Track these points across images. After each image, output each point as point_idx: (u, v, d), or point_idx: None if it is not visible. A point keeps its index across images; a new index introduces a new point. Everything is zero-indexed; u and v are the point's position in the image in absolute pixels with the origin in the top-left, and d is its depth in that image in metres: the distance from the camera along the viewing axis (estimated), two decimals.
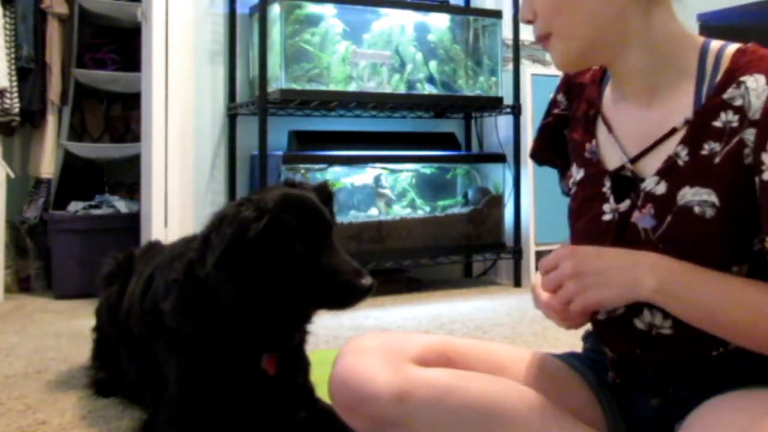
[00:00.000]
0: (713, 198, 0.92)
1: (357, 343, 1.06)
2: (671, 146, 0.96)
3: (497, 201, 3.41)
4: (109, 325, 1.61)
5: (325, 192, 1.29)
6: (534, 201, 3.40)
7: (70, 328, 2.49)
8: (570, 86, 1.16)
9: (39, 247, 3.36)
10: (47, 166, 3.35)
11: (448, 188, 3.54)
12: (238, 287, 1.17)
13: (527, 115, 3.41)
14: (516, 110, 3.37)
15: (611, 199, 1.02)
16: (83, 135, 3.70)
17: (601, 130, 1.07)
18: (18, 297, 3.18)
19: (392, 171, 3.37)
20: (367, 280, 1.16)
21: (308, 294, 1.18)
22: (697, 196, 0.93)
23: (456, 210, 3.41)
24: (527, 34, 3.66)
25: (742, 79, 0.91)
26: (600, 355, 1.12)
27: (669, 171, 0.95)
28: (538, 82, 3.47)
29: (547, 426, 0.96)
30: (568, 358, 1.16)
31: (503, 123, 3.52)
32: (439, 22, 3.42)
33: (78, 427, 1.48)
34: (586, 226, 1.05)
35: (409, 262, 3.18)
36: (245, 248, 1.13)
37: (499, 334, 2.31)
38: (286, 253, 1.15)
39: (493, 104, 3.41)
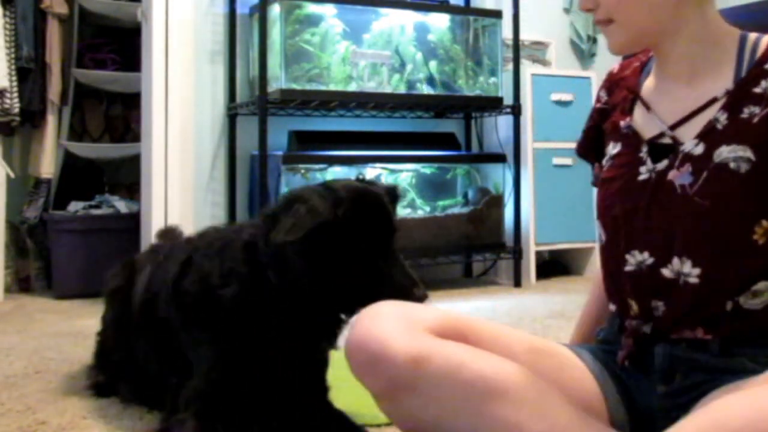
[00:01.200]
0: (749, 153, 1.01)
1: (375, 309, 1.07)
2: (711, 113, 1.06)
3: (497, 201, 3.41)
4: (117, 330, 1.61)
5: (394, 195, 1.33)
6: (534, 201, 3.40)
7: (70, 328, 2.49)
8: (612, 83, 1.27)
9: (39, 247, 3.36)
10: (47, 166, 3.35)
11: (448, 188, 3.54)
12: (302, 258, 1.19)
13: (527, 115, 3.41)
14: (516, 110, 3.37)
15: (648, 161, 1.10)
16: (83, 135, 3.70)
17: (638, 110, 1.17)
18: (18, 297, 3.18)
19: (392, 171, 3.37)
20: (421, 292, 1.20)
21: (364, 291, 1.20)
22: (733, 153, 1.02)
23: (456, 210, 3.41)
24: (527, 34, 3.66)
25: None
26: (610, 346, 1.16)
27: (708, 133, 1.05)
28: (538, 82, 3.47)
29: (550, 412, 0.98)
30: (577, 348, 1.20)
31: (503, 123, 3.52)
32: (439, 22, 3.42)
33: (78, 427, 1.48)
34: (621, 187, 1.13)
35: (409, 262, 3.16)
36: (315, 229, 1.15)
37: None
38: (351, 247, 1.18)
39: (493, 104, 3.41)
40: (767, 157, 1.00)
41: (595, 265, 3.48)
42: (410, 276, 1.21)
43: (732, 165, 1.01)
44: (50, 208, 3.36)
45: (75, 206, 3.27)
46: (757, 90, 1.03)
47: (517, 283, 3.37)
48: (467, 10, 3.60)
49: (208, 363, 1.28)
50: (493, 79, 3.46)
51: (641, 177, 1.10)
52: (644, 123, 1.15)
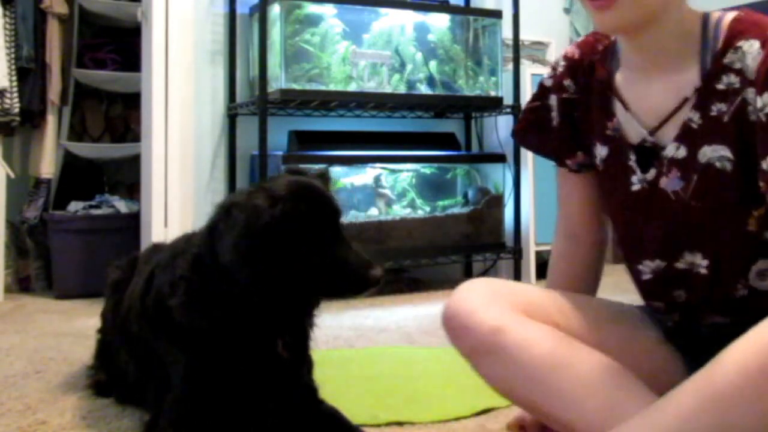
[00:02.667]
0: (728, 153, 1.03)
1: (471, 284, 1.20)
2: (685, 113, 1.07)
3: (497, 201, 3.41)
4: (112, 328, 1.61)
5: (324, 178, 1.30)
6: (534, 201, 3.40)
7: (70, 328, 2.49)
8: (575, 70, 1.23)
9: (39, 247, 3.36)
10: (47, 166, 3.35)
11: (448, 188, 3.54)
12: (251, 273, 1.17)
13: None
14: (516, 110, 3.37)
15: (638, 171, 1.13)
16: (83, 135, 3.69)
17: (618, 107, 1.16)
18: (18, 297, 3.18)
19: (392, 171, 3.37)
20: (377, 271, 1.18)
21: (319, 282, 1.19)
22: (716, 153, 1.04)
23: (456, 210, 3.41)
24: (527, 34, 3.66)
25: (739, 44, 1.02)
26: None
27: (685, 135, 1.07)
28: (538, 82, 3.46)
29: (614, 392, 1.04)
30: (649, 317, 1.26)
31: (503, 123, 3.52)
32: (439, 22, 3.42)
33: (78, 428, 1.48)
34: (619, 202, 1.17)
35: (409, 262, 3.18)
36: (258, 235, 1.13)
37: None
38: (298, 241, 1.16)
39: (493, 104, 3.41)
40: (745, 153, 1.01)
41: None
42: (364, 257, 1.19)
43: (718, 165, 1.04)
44: (50, 208, 3.36)
45: (75, 206, 3.27)
46: (720, 86, 1.03)
47: None
48: (467, 10, 3.60)
49: (179, 374, 1.27)
50: (493, 79, 3.46)
51: (634, 188, 1.14)
52: (626, 123, 1.15)
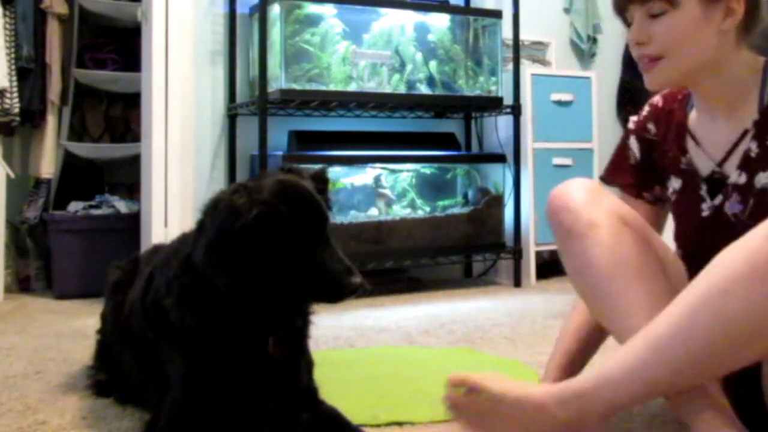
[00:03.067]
0: None
1: (575, 180, 1.32)
2: (745, 144, 1.22)
3: (497, 201, 3.41)
4: (113, 329, 1.61)
5: (320, 179, 1.28)
6: (534, 201, 3.40)
7: (70, 328, 2.49)
8: (658, 116, 1.40)
9: (39, 247, 3.36)
10: (47, 166, 3.35)
11: (448, 188, 3.54)
12: (228, 276, 1.15)
13: (527, 115, 3.41)
14: (516, 110, 3.37)
15: (707, 199, 1.28)
16: (83, 135, 3.70)
17: (690, 144, 1.32)
18: (18, 297, 3.18)
19: (392, 171, 3.37)
20: (356, 279, 1.16)
21: (298, 287, 1.17)
22: None
23: (456, 210, 3.41)
24: (527, 34, 3.66)
25: None
26: None
27: (746, 163, 1.21)
28: (537, 82, 3.47)
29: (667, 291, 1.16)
30: None
31: (503, 123, 3.52)
32: (439, 22, 3.42)
33: (78, 428, 1.48)
34: (690, 227, 1.31)
35: (409, 262, 3.18)
36: (234, 237, 1.11)
37: (498, 334, 2.31)
38: (277, 245, 1.13)
39: (493, 104, 3.41)
40: None
41: None
42: (346, 264, 1.16)
43: None
44: (50, 208, 3.36)
45: (75, 206, 3.27)
46: None
47: (517, 283, 3.37)
48: (467, 10, 3.59)
49: (177, 374, 1.26)
50: (493, 79, 3.46)
51: (704, 214, 1.28)
52: (697, 157, 1.30)
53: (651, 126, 1.41)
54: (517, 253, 3.36)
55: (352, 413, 1.37)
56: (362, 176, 3.31)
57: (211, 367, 1.25)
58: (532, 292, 3.23)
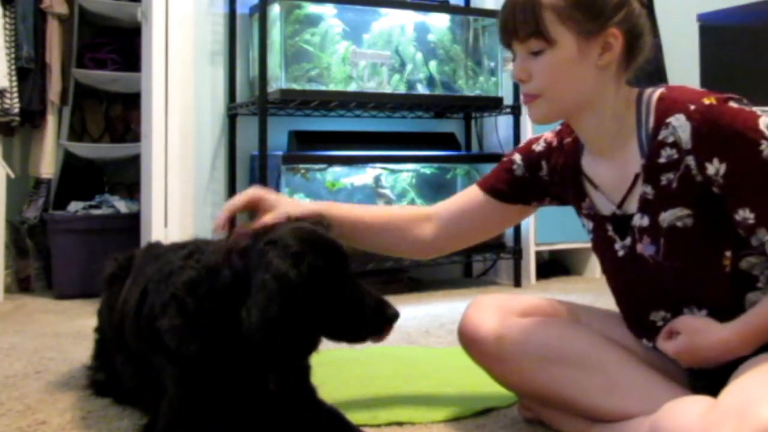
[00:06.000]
0: (686, 210, 1.16)
1: (479, 300, 1.43)
2: (639, 188, 1.21)
3: None
4: (109, 327, 1.60)
5: (324, 225, 1.29)
6: None
7: (70, 328, 2.49)
8: (550, 154, 1.41)
9: (39, 247, 3.36)
10: (47, 166, 3.35)
11: (448, 188, 3.54)
12: (278, 333, 1.14)
13: (527, 115, 3.40)
14: (516, 110, 3.37)
15: (617, 239, 1.27)
16: (83, 135, 3.69)
17: (588, 187, 1.32)
18: (18, 297, 3.18)
19: (392, 171, 3.37)
20: (392, 309, 1.20)
21: (340, 329, 1.21)
22: (673, 215, 1.16)
23: None
24: None
25: (668, 120, 1.15)
26: None
27: (645, 206, 1.20)
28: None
29: (611, 370, 1.23)
30: None
31: (503, 123, 3.52)
32: (439, 22, 3.42)
33: (78, 428, 1.48)
34: (611, 266, 1.32)
35: (409, 262, 3.18)
36: (287, 297, 1.11)
37: None
38: (320, 295, 1.15)
39: (493, 104, 3.41)
40: (701, 205, 1.14)
41: (595, 265, 3.49)
42: (377, 297, 1.21)
43: (679, 224, 1.16)
44: (50, 208, 3.36)
45: (75, 206, 3.27)
46: (662, 160, 1.16)
47: (517, 283, 3.37)
48: (467, 10, 3.59)
49: (172, 389, 1.25)
50: (493, 79, 3.46)
51: (620, 254, 1.27)
52: (597, 199, 1.31)
53: (544, 164, 1.42)
54: (517, 253, 3.36)
55: (352, 413, 1.37)
56: (362, 176, 3.31)
57: (207, 390, 1.24)
58: (532, 292, 3.23)
